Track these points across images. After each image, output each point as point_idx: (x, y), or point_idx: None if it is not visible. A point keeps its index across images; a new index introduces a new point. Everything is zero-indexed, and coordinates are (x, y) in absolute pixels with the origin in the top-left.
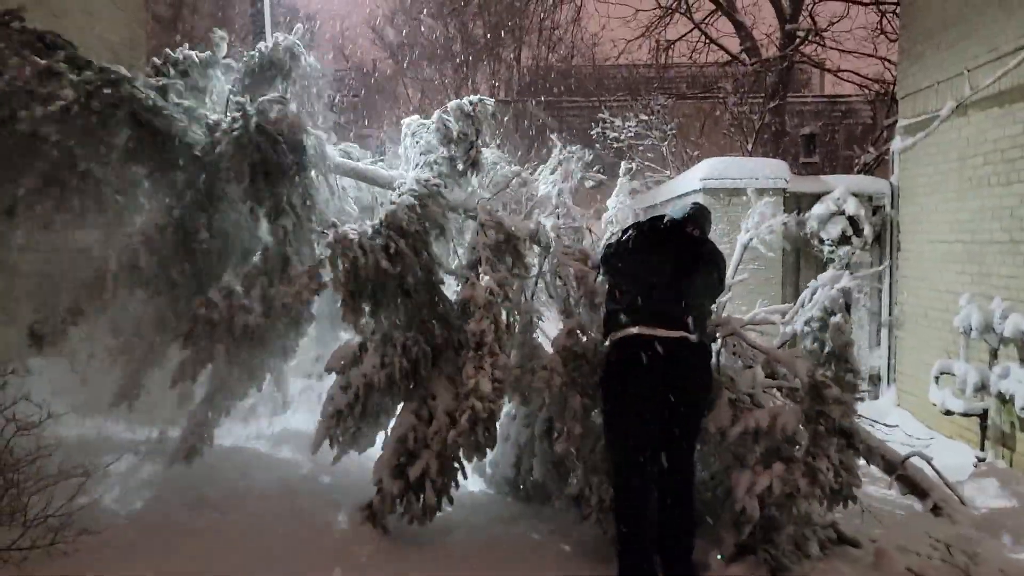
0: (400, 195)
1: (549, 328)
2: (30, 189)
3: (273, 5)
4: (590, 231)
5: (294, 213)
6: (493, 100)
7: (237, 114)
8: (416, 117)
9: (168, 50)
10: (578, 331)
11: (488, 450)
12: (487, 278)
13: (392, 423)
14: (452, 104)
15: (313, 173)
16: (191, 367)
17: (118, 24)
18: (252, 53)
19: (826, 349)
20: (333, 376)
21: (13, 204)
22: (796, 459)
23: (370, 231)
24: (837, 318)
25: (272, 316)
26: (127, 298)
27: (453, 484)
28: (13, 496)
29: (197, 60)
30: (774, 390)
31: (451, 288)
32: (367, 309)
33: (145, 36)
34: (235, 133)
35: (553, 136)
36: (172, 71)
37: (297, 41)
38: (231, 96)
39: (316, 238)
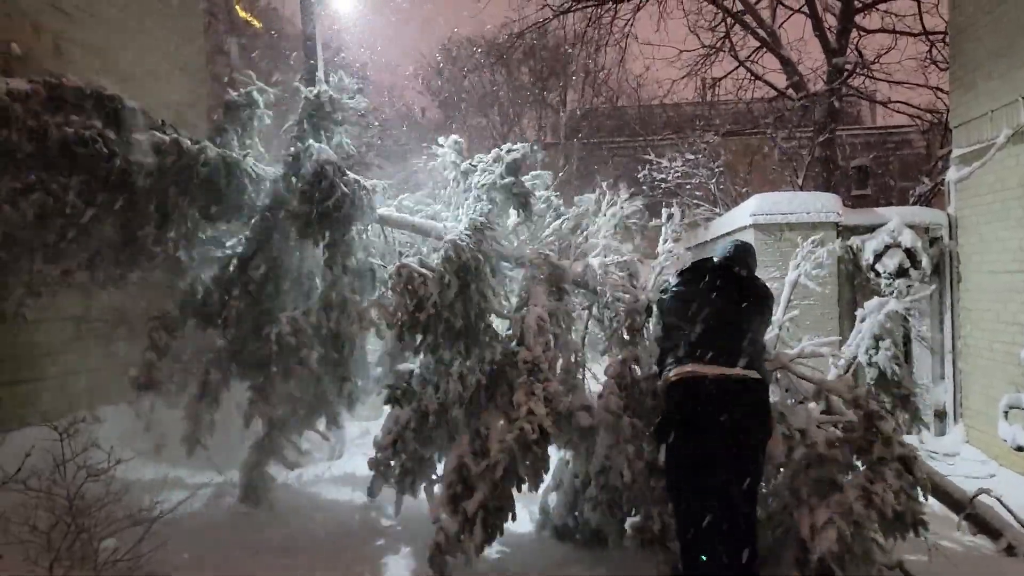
0: (455, 234)
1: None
2: (109, 242)
3: (326, 59)
4: (640, 261)
5: (352, 256)
6: (531, 145)
7: (297, 165)
8: (467, 163)
9: (229, 105)
10: (632, 361)
11: (542, 473)
12: (538, 308)
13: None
14: (493, 153)
15: (367, 218)
16: (257, 406)
17: (181, 85)
18: (306, 100)
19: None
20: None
21: (92, 256)
22: (852, 486)
23: (432, 261)
24: (887, 343)
25: (335, 348)
26: (189, 342)
27: (510, 517)
28: (85, 540)
29: (257, 106)
30: (830, 427)
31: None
32: (426, 338)
33: (205, 95)
34: (300, 186)
35: (604, 185)
36: (235, 124)
37: (347, 87)
38: (290, 150)
39: (369, 283)
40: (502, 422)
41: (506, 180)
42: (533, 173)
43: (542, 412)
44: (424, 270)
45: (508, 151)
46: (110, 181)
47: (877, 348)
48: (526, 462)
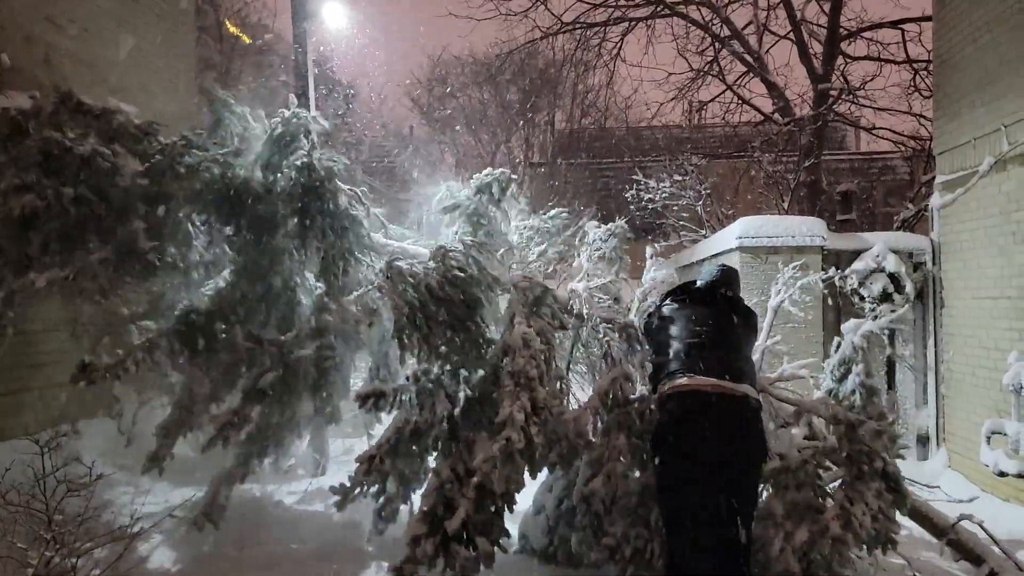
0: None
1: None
2: (94, 257)
3: (316, 75)
4: (625, 282)
5: (341, 269)
6: (508, 172)
7: (288, 175)
8: (453, 185)
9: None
10: (622, 380)
11: (528, 476)
12: (523, 325)
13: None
14: (475, 180)
15: (359, 229)
16: (242, 414)
17: (171, 99)
18: (291, 113)
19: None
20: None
21: (76, 271)
22: (828, 508)
23: (421, 268)
24: (860, 366)
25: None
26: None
27: (501, 533)
28: (63, 555)
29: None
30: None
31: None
32: (421, 334)
33: (194, 109)
34: (291, 193)
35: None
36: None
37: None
38: (277, 161)
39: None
40: (486, 436)
41: (482, 204)
42: (532, 224)
43: (523, 419)
44: (417, 268)
45: (488, 175)
46: (106, 192)
47: (847, 373)
48: (506, 472)
